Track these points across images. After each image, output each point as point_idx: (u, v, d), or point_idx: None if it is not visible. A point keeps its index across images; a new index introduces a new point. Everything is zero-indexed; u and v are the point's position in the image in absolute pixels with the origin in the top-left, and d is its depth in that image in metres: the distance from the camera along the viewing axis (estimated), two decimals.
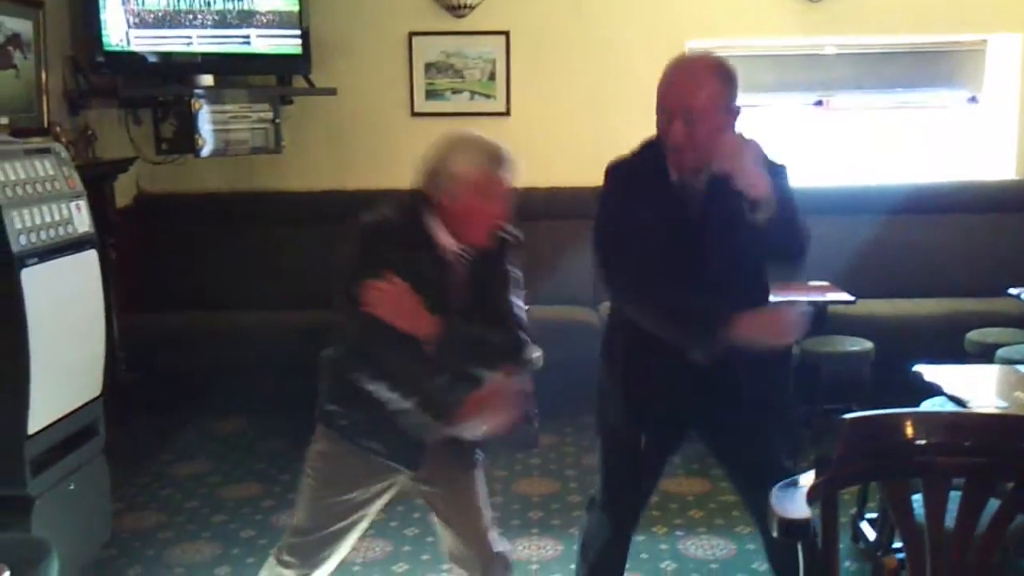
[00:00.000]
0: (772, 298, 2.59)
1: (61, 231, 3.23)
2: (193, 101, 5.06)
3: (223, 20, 5.08)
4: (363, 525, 2.53)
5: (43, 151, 3.36)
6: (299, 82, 5.47)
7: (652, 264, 2.35)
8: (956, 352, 4.49)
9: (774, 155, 2.36)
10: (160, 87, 5.18)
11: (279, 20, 5.24)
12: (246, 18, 5.14)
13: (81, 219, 3.36)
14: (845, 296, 4.60)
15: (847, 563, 3.44)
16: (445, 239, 2.32)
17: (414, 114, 5.60)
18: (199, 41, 5.04)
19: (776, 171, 2.33)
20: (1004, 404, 3.07)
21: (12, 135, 3.73)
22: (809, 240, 2.42)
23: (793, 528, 1.84)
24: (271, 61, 5.35)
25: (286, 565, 2.49)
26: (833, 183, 5.67)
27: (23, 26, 4.25)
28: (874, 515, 3.43)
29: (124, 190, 5.25)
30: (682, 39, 5.43)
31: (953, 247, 5.44)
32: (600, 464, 2.67)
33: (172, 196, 5.57)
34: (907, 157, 5.95)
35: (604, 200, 2.46)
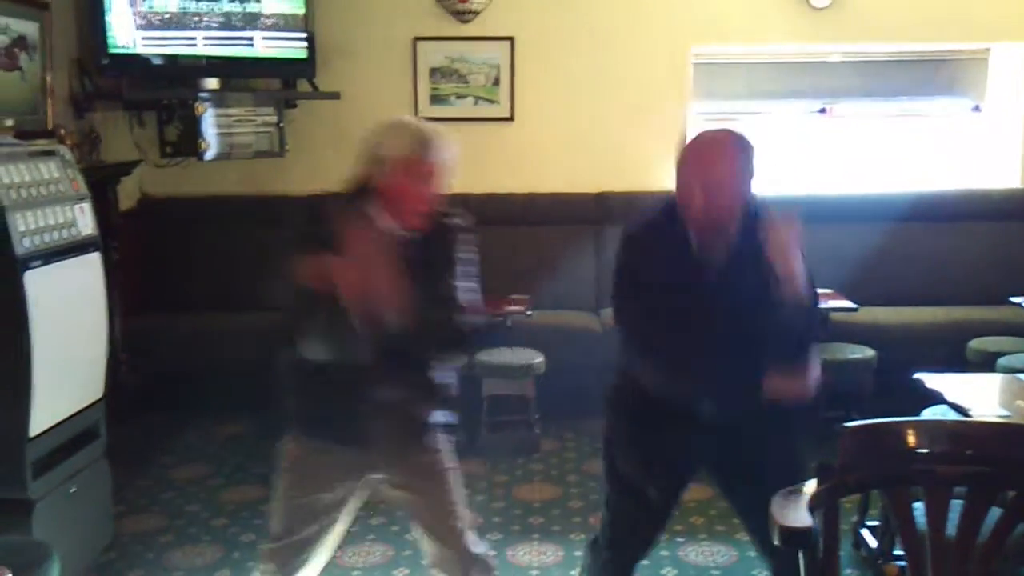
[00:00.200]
0: None
1: (65, 233, 3.23)
2: (197, 104, 5.07)
3: (228, 23, 5.10)
4: (338, 530, 2.55)
5: (47, 153, 3.37)
6: (303, 86, 5.48)
7: (661, 321, 2.39)
8: (958, 360, 4.49)
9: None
10: (165, 90, 5.19)
11: (284, 23, 5.25)
12: (251, 21, 5.16)
13: (85, 222, 3.37)
14: (848, 304, 4.60)
15: (848, 570, 3.43)
16: (385, 222, 2.35)
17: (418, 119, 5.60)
18: (204, 44, 5.05)
19: None
20: (1006, 413, 3.07)
21: (17, 137, 3.74)
22: (819, 336, 2.46)
23: (795, 537, 1.84)
24: (276, 64, 5.36)
25: (263, 573, 2.53)
26: (836, 191, 5.67)
27: (29, 28, 4.25)
28: (875, 522, 3.42)
29: (128, 193, 5.27)
30: (686, 46, 5.44)
31: (955, 255, 5.44)
32: (604, 507, 2.69)
33: (176, 199, 5.57)
34: (910, 165, 5.95)
35: (625, 261, 2.50)
